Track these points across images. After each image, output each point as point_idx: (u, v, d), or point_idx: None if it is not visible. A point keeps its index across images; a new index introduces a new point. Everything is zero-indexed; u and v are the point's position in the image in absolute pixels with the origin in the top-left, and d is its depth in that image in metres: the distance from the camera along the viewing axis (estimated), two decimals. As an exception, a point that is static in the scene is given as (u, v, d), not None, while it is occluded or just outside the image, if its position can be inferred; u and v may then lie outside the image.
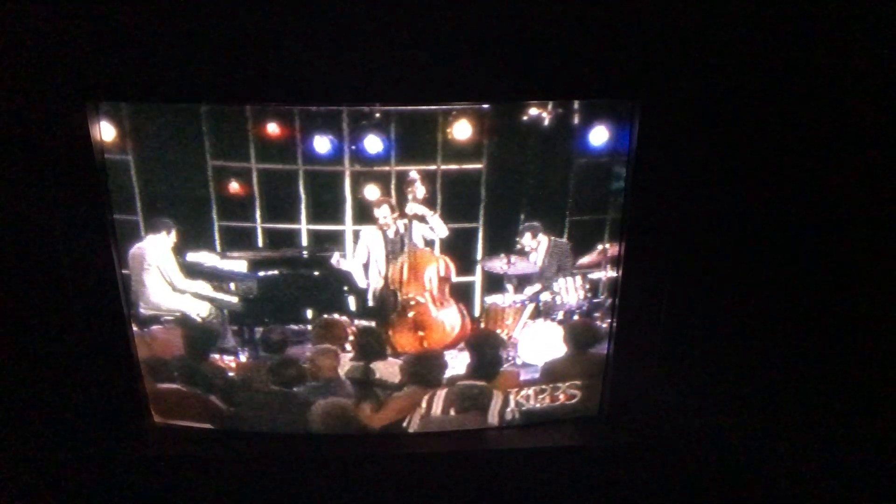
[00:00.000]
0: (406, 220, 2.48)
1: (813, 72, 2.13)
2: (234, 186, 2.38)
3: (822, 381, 2.51)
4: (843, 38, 2.10)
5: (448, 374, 2.65)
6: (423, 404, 2.65)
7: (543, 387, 2.67)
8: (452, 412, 2.65)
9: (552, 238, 2.52)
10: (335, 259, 2.53)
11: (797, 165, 2.25)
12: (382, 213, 2.45)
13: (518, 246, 2.52)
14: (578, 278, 2.60)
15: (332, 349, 2.62)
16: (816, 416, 2.55)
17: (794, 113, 2.19)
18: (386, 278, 2.60)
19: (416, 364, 2.65)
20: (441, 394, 2.65)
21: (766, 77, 2.14)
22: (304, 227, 2.46)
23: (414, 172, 2.38)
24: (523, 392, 2.68)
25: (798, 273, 2.38)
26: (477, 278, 2.59)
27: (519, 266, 2.57)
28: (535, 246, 2.52)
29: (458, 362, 2.65)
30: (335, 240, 2.49)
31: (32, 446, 2.51)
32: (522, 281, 2.63)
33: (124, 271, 2.40)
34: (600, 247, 2.50)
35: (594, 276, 2.57)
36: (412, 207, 2.45)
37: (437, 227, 2.48)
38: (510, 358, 2.68)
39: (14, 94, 2.06)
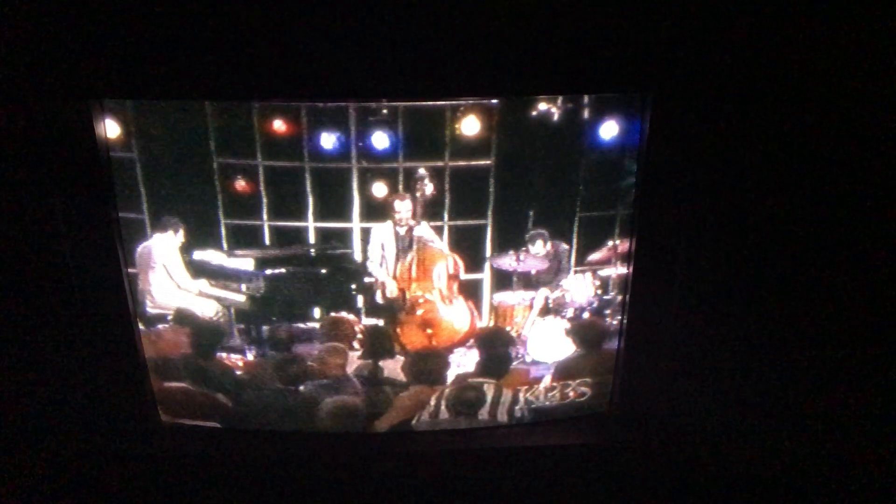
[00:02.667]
0: (416, 221, 2.47)
1: (827, 65, 2.10)
2: (240, 184, 2.36)
3: (835, 379, 2.48)
4: (857, 29, 2.07)
5: (457, 372, 2.64)
6: (432, 402, 2.64)
7: (553, 384, 2.65)
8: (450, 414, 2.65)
9: (555, 242, 2.51)
10: (363, 263, 2.53)
11: (810, 159, 2.22)
12: (404, 207, 2.43)
13: (526, 249, 2.50)
14: (588, 275, 2.58)
15: (340, 347, 2.61)
16: (829, 414, 2.53)
17: (807, 105, 2.16)
18: (395, 276, 2.59)
19: (419, 363, 2.64)
20: (448, 392, 2.64)
21: (778, 69, 2.11)
22: (311, 224, 2.44)
23: (422, 169, 2.36)
24: (533, 389, 2.66)
25: (812, 268, 2.35)
26: (486, 275, 2.57)
27: (528, 263, 2.55)
28: (546, 252, 2.50)
29: (467, 360, 2.64)
30: (342, 237, 2.47)
31: (40, 446, 2.51)
32: (532, 278, 2.61)
33: (131, 270, 2.38)
34: (610, 243, 2.48)
35: (604, 272, 2.55)
36: (421, 230, 2.45)
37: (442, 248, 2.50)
38: (520, 355, 2.67)
39: (19, 92, 2.05)
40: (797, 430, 2.56)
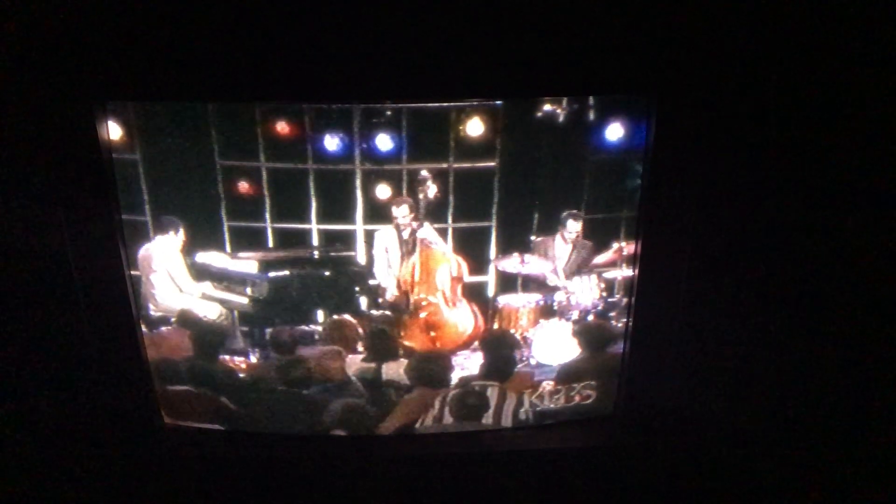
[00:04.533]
0: (419, 223, 2.46)
1: (833, 66, 2.08)
2: (243, 186, 2.35)
3: (842, 381, 2.47)
4: (864, 30, 2.05)
5: (461, 374, 2.62)
6: (436, 405, 2.63)
7: (558, 387, 2.64)
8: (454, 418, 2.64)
9: (579, 237, 2.49)
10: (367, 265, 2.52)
11: (818, 161, 2.20)
12: (402, 212, 2.42)
13: (535, 239, 2.48)
14: (594, 277, 2.57)
15: (337, 350, 2.60)
16: (837, 416, 2.51)
17: (814, 107, 2.14)
18: (398, 278, 2.58)
19: (422, 365, 2.62)
20: (452, 395, 2.63)
21: (784, 71, 2.09)
22: (314, 226, 2.43)
23: (425, 171, 2.34)
24: (537, 392, 2.65)
25: (819, 271, 2.34)
26: (490, 278, 2.55)
27: (533, 265, 2.54)
28: (576, 236, 2.49)
29: (470, 363, 2.63)
30: (346, 239, 2.46)
31: (44, 448, 2.51)
32: (537, 280, 2.60)
33: (134, 272, 2.37)
34: (616, 245, 2.47)
35: (610, 275, 2.54)
36: (424, 232, 2.45)
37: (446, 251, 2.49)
38: (524, 358, 2.66)
39: (21, 93, 2.04)
40: (805, 432, 2.55)
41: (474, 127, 2.27)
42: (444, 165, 2.34)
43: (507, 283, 2.57)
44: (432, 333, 2.63)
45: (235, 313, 2.58)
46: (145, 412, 2.52)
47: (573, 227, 2.46)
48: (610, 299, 2.58)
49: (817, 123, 2.15)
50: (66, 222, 2.20)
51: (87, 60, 2.02)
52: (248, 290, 2.55)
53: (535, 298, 2.62)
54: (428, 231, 2.46)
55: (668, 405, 2.51)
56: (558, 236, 2.50)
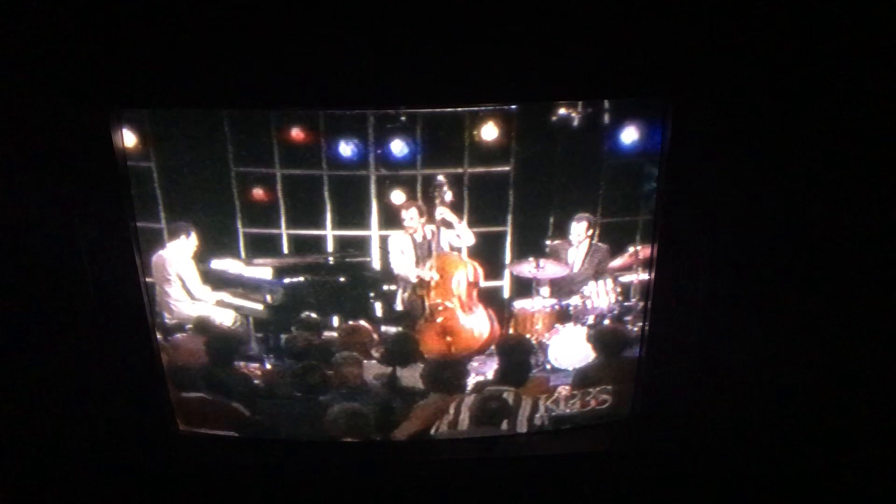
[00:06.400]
0: (434, 226, 2.45)
1: (855, 68, 2.06)
2: (258, 192, 2.35)
3: (863, 385, 2.45)
4: (888, 34, 2.04)
5: (476, 380, 2.62)
6: (451, 411, 2.62)
7: (574, 392, 2.63)
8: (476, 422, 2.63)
9: (593, 241, 2.47)
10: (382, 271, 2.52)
11: (838, 164, 2.18)
12: (409, 215, 2.41)
13: (551, 243, 2.47)
14: (610, 282, 2.56)
15: (355, 356, 2.59)
16: (858, 420, 2.49)
17: (834, 108, 2.12)
18: (414, 283, 2.57)
19: (437, 371, 2.61)
20: (468, 400, 2.62)
21: (803, 73, 2.08)
22: (329, 232, 2.43)
23: (441, 176, 2.34)
24: (553, 397, 2.64)
25: (839, 275, 2.32)
26: (505, 283, 2.55)
27: (548, 270, 2.53)
28: (583, 238, 2.47)
29: (486, 368, 2.62)
30: (361, 245, 2.46)
31: (59, 455, 2.51)
32: (552, 284, 2.59)
33: (149, 280, 2.37)
34: (632, 249, 2.46)
35: (625, 279, 2.53)
36: (441, 212, 2.41)
37: (464, 235, 2.44)
38: (540, 363, 2.64)
39: (36, 101, 2.04)
40: (824, 436, 2.53)
41: (489, 132, 2.26)
42: (459, 170, 2.33)
43: (523, 287, 2.56)
44: (448, 338, 2.62)
45: (250, 320, 2.58)
46: (160, 419, 2.51)
47: (576, 229, 2.46)
48: (626, 303, 2.56)
49: (836, 125, 2.14)
50: (80, 229, 2.20)
51: (102, 68, 2.02)
52: (263, 296, 2.54)
53: (550, 303, 2.61)
54: (444, 212, 2.43)
55: (684, 409, 2.50)
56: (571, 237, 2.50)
